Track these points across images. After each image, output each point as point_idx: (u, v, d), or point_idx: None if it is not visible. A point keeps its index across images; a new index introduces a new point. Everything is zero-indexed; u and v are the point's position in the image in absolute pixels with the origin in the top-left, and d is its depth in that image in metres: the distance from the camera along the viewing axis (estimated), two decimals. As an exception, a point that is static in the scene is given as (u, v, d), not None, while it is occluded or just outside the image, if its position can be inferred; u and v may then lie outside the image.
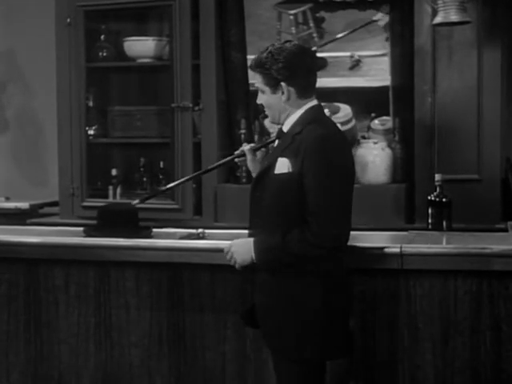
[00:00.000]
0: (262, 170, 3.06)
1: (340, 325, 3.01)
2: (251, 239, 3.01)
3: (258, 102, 3.10)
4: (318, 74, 3.07)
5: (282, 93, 2.99)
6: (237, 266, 3.07)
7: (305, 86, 3.01)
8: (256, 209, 3.06)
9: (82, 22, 4.90)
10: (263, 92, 3.05)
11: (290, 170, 2.93)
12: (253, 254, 2.99)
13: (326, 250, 2.90)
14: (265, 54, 3.00)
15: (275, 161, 2.98)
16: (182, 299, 3.58)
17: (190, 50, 4.70)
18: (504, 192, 4.32)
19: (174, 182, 4.27)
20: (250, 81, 4.72)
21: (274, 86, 3.00)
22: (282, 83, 2.98)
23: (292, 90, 2.99)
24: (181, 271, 3.57)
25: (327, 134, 2.97)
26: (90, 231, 3.85)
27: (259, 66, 3.01)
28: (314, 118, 3.00)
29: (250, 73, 3.17)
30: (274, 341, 3.02)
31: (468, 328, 3.25)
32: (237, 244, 3.07)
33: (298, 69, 2.98)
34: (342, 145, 3.01)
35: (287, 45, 3.01)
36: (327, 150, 2.92)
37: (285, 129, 3.05)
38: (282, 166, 2.95)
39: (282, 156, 2.97)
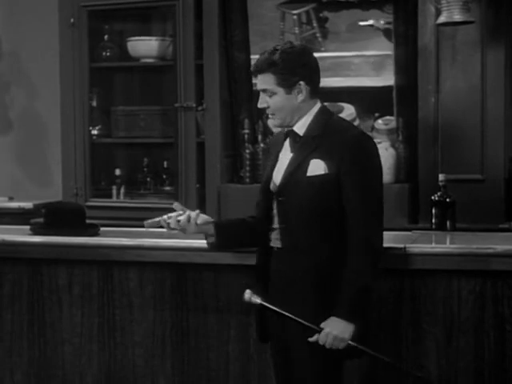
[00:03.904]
0: (287, 175, 2.94)
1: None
2: (334, 317, 2.83)
3: (261, 105, 2.98)
4: (321, 73, 3.06)
5: (298, 92, 2.91)
6: (342, 344, 2.85)
7: (317, 85, 2.97)
8: (281, 215, 2.95)
9: (85, 22, 4.92)
10: (274, 93, 2.92)
11: (327, 171, 2.86)
12: (351, 324, 2.84)
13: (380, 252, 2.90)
14: (277, 55, 2.90)
15: (305, 163, 2.89)
16: (186, 299, 3.58)
17: (194, 49, 4.71)
18: (507, 192, 4.31)
19: (177, 181, 4.26)
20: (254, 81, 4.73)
21: (290, 86, 2.90)
22: (301, 82, 2.90)
23: (309, 88, 2.92)
24: (185, 271, 3.57)
25: (364, 134, 2.97)
26: (36, 228, 3.84)
27: (272, 66, 2.90)
28: (333, 120, 2.98)
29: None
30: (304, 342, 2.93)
31: (472, 328, 3.24)
32: (331, 327, 2.83)
33: (312, 67, 2.94)
34: (375, 145, 2.99)
35: (295, 44, 2.96)
36: (368, 148, 2.90)
37: (299, 131, 2.96)
38: (317, 167, 2.87)
39: (315, 158, 2.88)
